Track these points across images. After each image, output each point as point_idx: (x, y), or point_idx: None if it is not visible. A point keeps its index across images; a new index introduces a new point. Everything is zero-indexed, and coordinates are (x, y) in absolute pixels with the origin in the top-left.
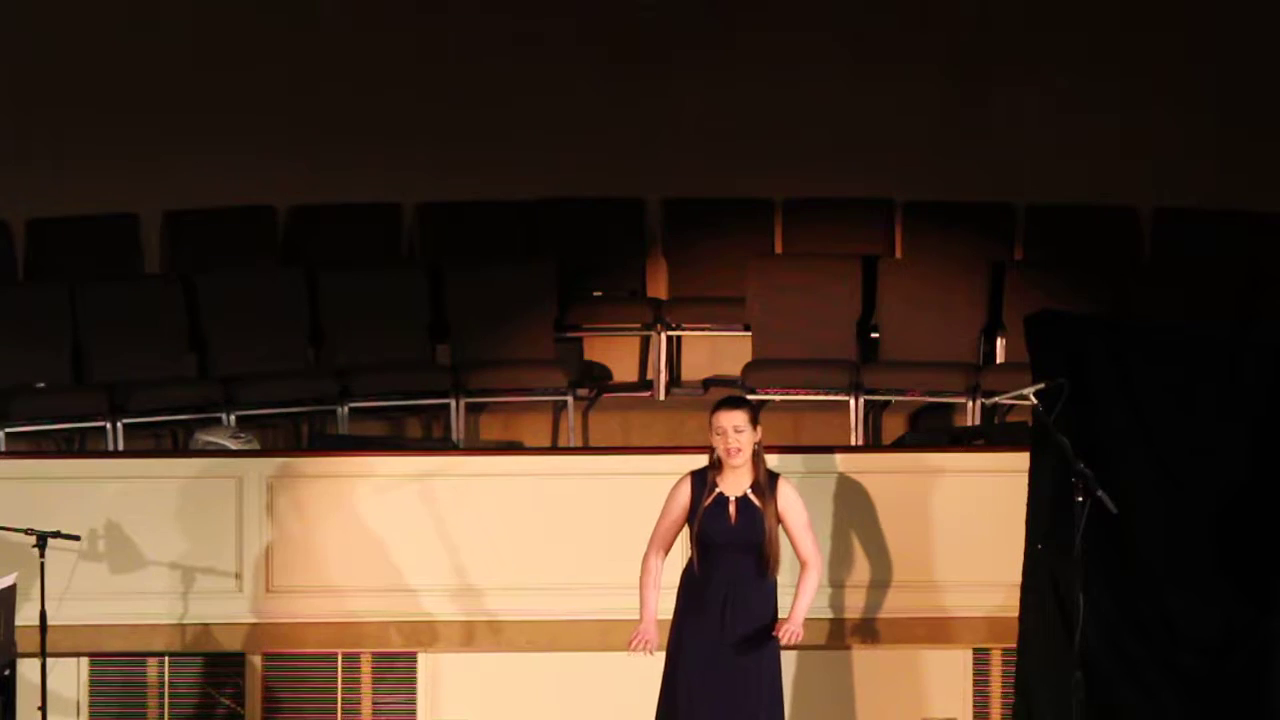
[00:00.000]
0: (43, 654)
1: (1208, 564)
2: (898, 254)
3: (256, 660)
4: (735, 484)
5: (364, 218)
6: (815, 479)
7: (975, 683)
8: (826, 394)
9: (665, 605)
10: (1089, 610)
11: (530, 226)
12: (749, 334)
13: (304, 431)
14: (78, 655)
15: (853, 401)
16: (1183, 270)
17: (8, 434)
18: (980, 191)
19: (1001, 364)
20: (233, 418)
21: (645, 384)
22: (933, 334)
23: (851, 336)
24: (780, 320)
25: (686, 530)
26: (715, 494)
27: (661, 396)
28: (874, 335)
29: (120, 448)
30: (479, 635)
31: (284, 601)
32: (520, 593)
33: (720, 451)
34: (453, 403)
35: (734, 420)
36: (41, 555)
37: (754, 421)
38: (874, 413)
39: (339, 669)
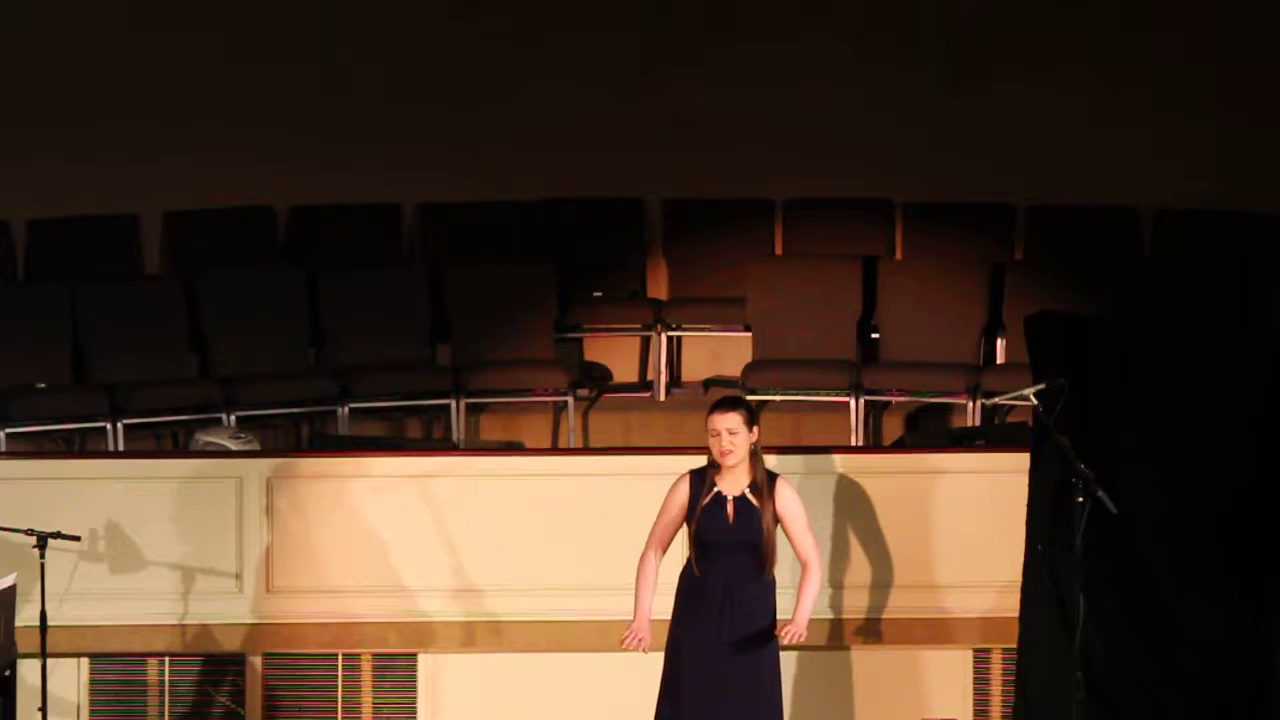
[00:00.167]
0: (43, 655)
1: (1208, 564)
2: (898, 254)
3: (256, 661)
4: (733, 483)
5: (364, 218)
6: (815, 479)
7: (975, 683)
8: (826, 394)
9: (663, 605)
10: (1089, 610)
11: (530, 226)
12: (749, 334)
13: (304, 432)
14: (78, 656)
15: (853, 402)
16: (1183, 270)
17: (8, 434)
18: (980, 191)
19: (1001, 364)
20: (233, 418)
21: (645, 384)
22: (933, 334)
23: (851, 337)
24: (780, 321)
25: (685, 530)
26: (713, 493)
27: (661, 397)
28: (874, 335)
29: (121, 448)
30: (479, 636)
31: (284, 602)
32: (520, 593)
33: (714, 452)
34: (453, 403)
35: (727, 422)
36: (42, 556)
37: (749, 422)
38: (874, 413)
39: (339, 670)
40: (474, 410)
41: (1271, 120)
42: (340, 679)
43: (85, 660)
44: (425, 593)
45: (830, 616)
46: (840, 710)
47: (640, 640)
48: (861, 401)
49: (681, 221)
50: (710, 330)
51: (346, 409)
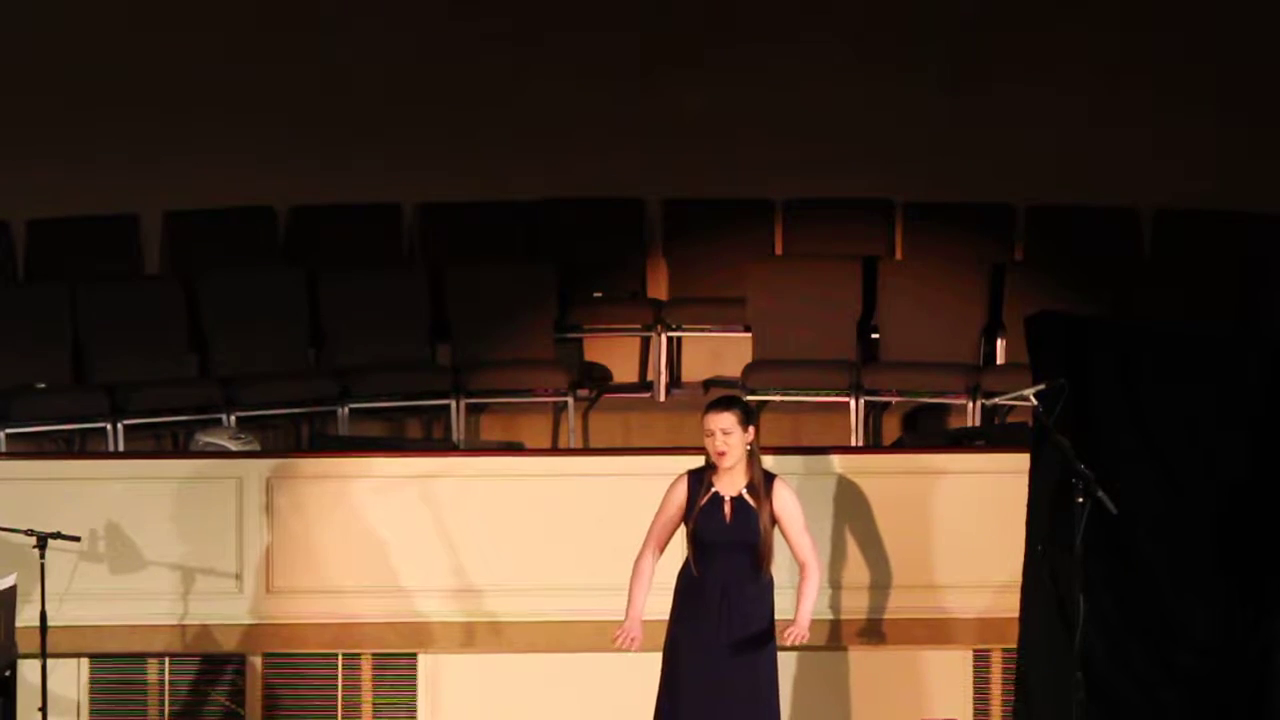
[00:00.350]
0: (43, 655)
1: (1208, 564)
2: (898, 254)
3: (256, 661)
4: (730, 483)
5: (364, 218)
6: (815, 480)
7: (975, 683)
8: (826, 395)
9: (659, 605)
10: (1089, 610)
11: (530, 226)
12: (749, 334)
13: (304, 432)
14: (78, 656)
15: (853, 402)
16: (1183, 270)
17: (8, 434)
18: (980, 192)
19: (1001, 364)
20: (233, 418)
21: (645, 385)
22: (933, 334)
23: (851, 337)
24: (780, 321)
25: (684, 530)
26: (711, 493)
27: (661, 397)
28: (874, 336)
29: (121, 448)
30: (479, 636)
31: (284, 602)
32: (520, 593)
33: (710, 452)
34: (453, 403)
35: (722, 422)
36: (42, 556)
37: (744, 422)
38: (874, 413)
39: (339, 670)
40: (474, 410)
41: (1271, 120)
42: (340, 679)
43: (85, 660)
44: (425, 593)
45: (830, 617)
46: (840, 711)
47: (632, 639)
48: (861, 402)
49: (681, 221)
50: (710, 330)
51: (346, 409)
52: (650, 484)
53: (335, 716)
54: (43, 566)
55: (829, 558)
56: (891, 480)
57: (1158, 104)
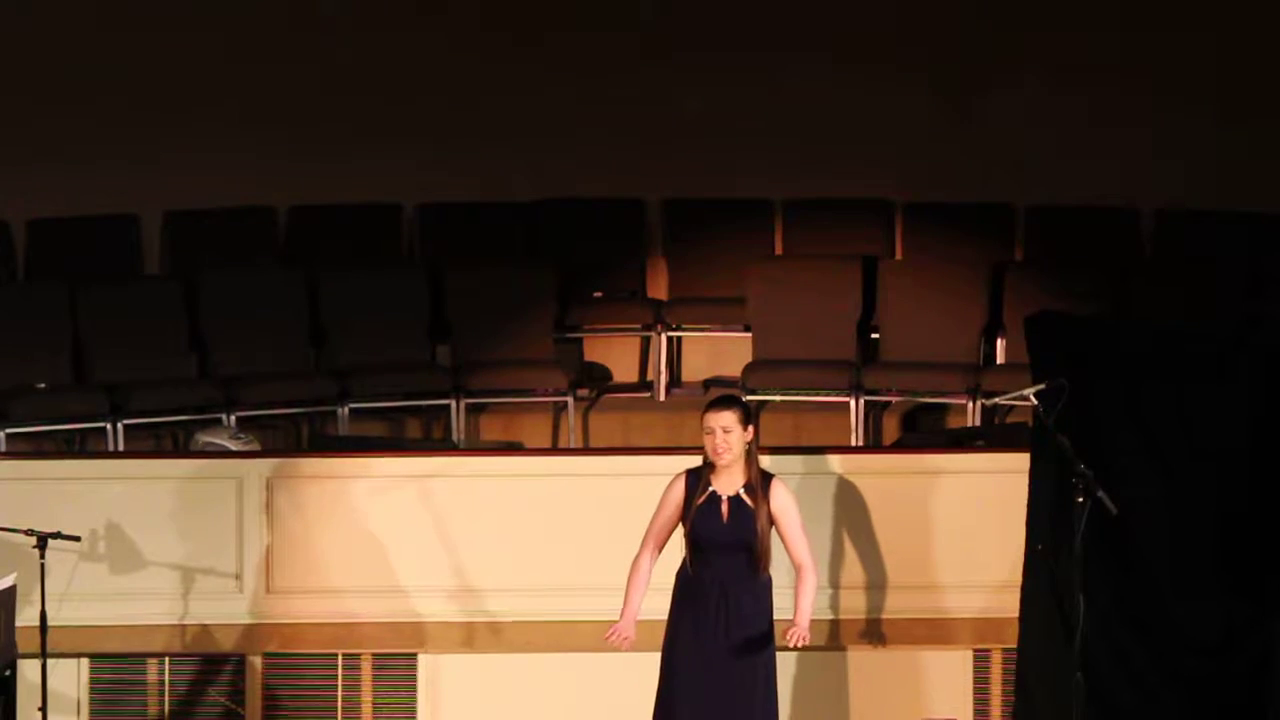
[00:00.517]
0: (43, 654)
1: (1208, 564)
2: (898, 254)
3: (256, 661)
4: (728, 483)
5: (364, 218)
6: (815, 480)
7: (975, 683)
8: (826, 394)
9: (657, 604)
10: (1089, 611)
11: (530, 226)
12: (749, 334)
13: (304, 432)
14: (78, 656)
15: (853, 402)
16: (1183, 270)
17: (8, 434)
18: (980, 192)
19: (1001, 364)
20: (233, 418)
21: (645, 384)
22: (933, 334)
23: (851, 337)
24: (780, 321)
25: (682, 530)
26: (708, 493)
27: (661, 397)
28: (874, 336)
29: (121, 448)
30: (479, 636)
31: (284, 602)
32: (520, 594)
33: (708, 451)
34: (453, 403)
35: (721, 420)
36: (42, 556)
37: (744, 421)
38: (874, 413)
39: (339, 670)
40: (474, 410)
41: (1271, 120)
42: (340, 679)
43: (85, 660)
44: (425, 593)
45: (830, 617)
46: (840, 711)
47: (625, 638)
48: (861, 402)
49: (681, 221)
50: (710, 330)
51: (346, 409)
52: (650, 484)
53: (335, 716)
54: (43, 566)
55: (829, 558)
56: (891, 480)
57: (1158, 104)
